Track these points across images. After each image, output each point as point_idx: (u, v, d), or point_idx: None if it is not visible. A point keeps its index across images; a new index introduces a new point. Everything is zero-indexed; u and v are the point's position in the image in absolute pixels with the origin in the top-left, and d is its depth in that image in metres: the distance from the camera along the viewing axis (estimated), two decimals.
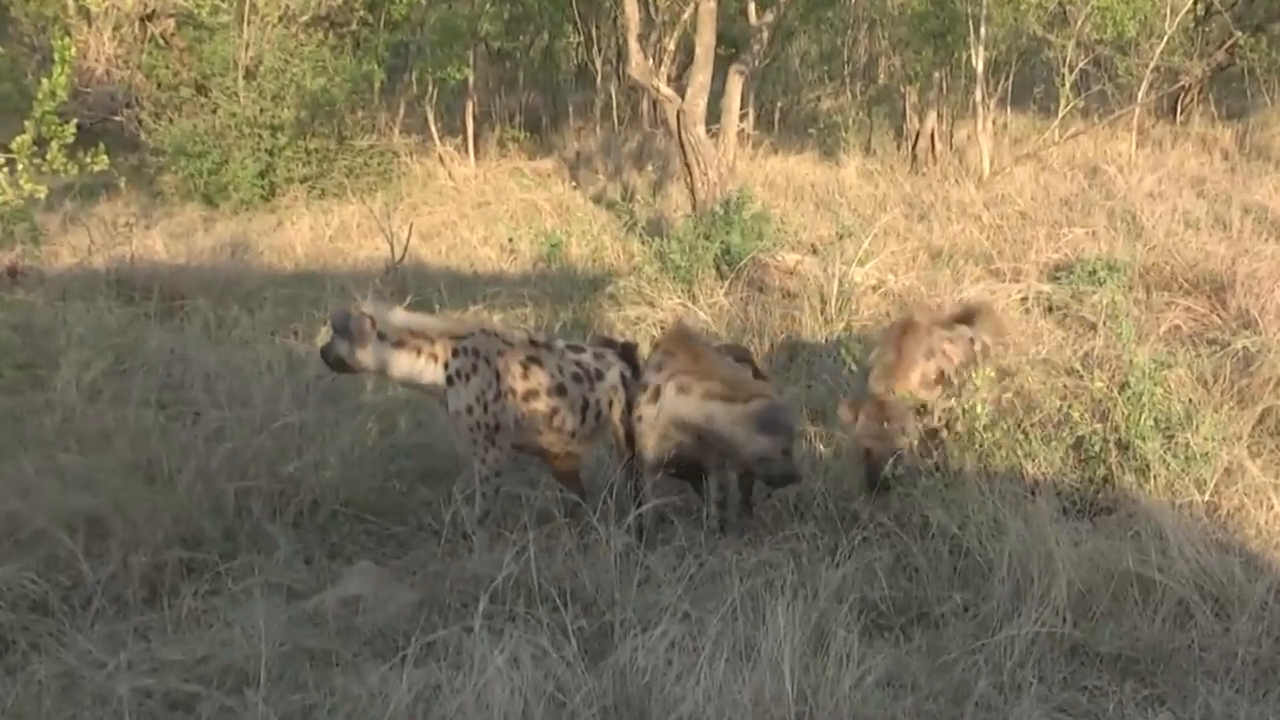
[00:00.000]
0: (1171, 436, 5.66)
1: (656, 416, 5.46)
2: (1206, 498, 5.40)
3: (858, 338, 7.46)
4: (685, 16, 14.27)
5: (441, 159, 17.34)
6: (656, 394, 5.48)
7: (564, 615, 4.29)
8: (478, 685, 3.82)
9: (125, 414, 6.16)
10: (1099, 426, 5.76)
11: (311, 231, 13.59)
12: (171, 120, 15.88)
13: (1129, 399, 5.74)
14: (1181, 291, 8.78)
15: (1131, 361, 5.91)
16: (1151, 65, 14.70)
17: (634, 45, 11.78)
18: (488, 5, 18.23)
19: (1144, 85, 14.86)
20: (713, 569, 5.12)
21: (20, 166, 6.37)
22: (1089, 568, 4.70)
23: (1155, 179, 12.67)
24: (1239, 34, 15.30)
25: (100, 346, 6.98)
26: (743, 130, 15.33)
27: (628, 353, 5.99)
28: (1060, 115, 14.63)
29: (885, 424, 5.59)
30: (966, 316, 6.58)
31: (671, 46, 15.98)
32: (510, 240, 12.72)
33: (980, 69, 14.41)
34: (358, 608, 4.80)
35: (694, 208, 11.59)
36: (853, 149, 15.93)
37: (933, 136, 15.55)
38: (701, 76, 11.68)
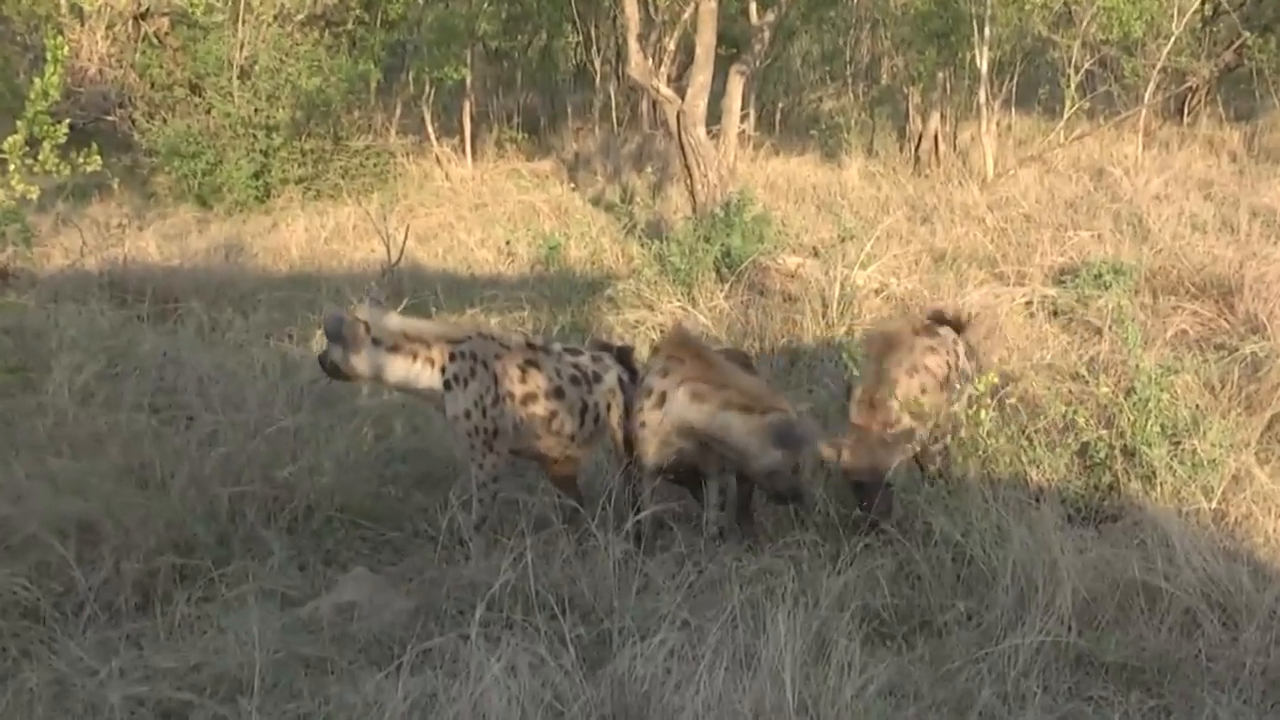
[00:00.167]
0: (1178, 443, 5.66)
1: (661, 422, 5.44)
2: (1214, 505, 5.40)
3: (859, 342, 7.45)
4: (685, 16, 14.29)
5: (438, 160, 17.35)
6: (662, 399, 5.44)
7: (562, 623, 4.29)
8: (474, 694, 3.82)
9: (118, 418, 6.15)
10: (1104, 433, 5.77)
11: (307, 233, 13.59)
12: (165, 120, 15.88)
13: (1135, 405, 5.74)
14: (1188, 296, 8.78)
15: (1137, 366, 5.91)
16: (1158, 66, 14.71)
17: (634, 45, 11.79)
18: (485, 4, 18.29)
19: (1150, 86, 14.86)
20: (712, 576, 5.12)
21: (12, 167, 6.39)
22: (1094, 576, 4.70)
23: (1162, 181, 12.67)
24: (1247, 34, 15.31)
25: (92, 349, 6.97)
26: (743, 131, 15.35)
27: (624, 356, 6.00)
28: (1065, 117, 14.62)
29: (871, 456, 5.45)
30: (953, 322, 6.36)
31: (672, 46, 16.02)
32: (508, 242, 12.72)
33: (984, 70, 14.42)
34: (353, 615, 4.80)
35: (694, 210, 11.59)
36: (855, 150, 15.95)
37: (936, 138, 15.57)
38: (702, 77, 11.69)
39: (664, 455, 5.50)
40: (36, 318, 8.01)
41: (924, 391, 5.68)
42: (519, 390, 5.50)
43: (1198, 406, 6.11)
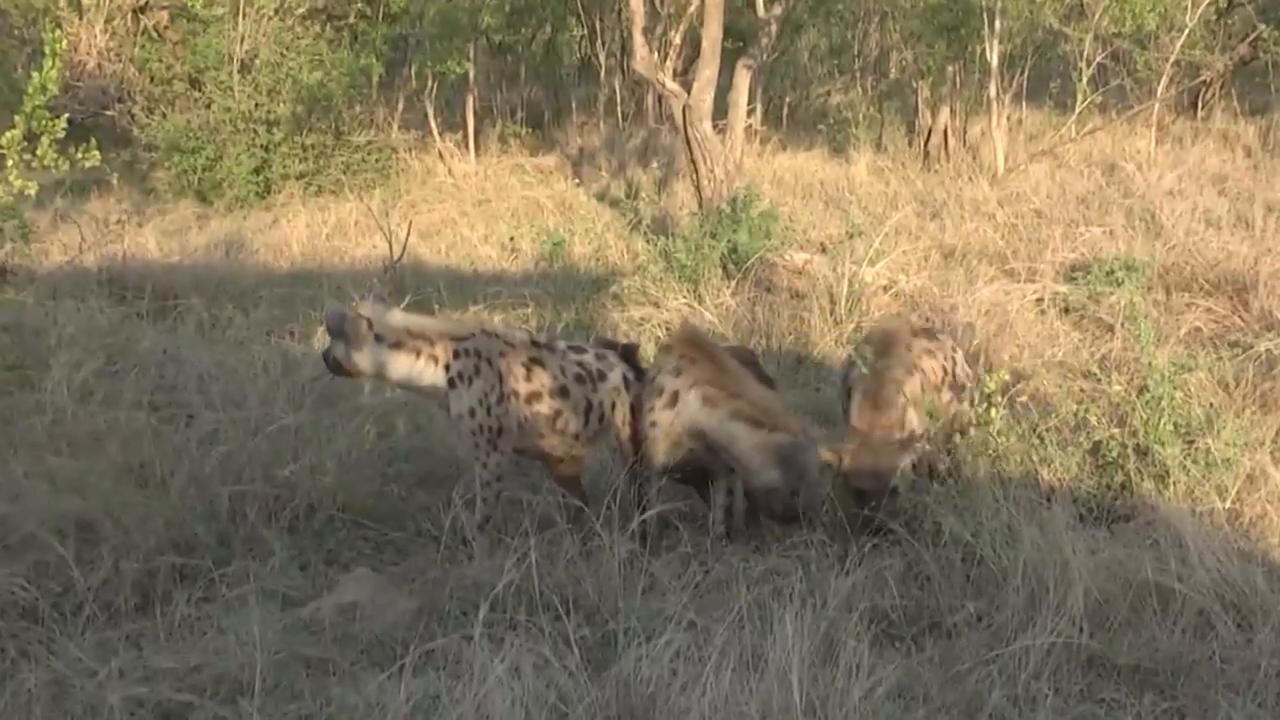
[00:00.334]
0: (1192, 442, 5.66)
1: (672, 423, 5.45)
2: (1228, 505, 5.40)
3: (859, 341, 7.45)
4: (691, 9, 14.26)
5: (441, 155, 17.36)
6: (674, 400, 5.45)
7: (566, 624, 4.29)
8: (478, 695, 3.82)
9: (117, 416, 6.16)
10: (1117, 431, 5.76)
11: (308, 229, 13.60)
12: (165, 115, 15.90)
13: (1148, 403, 5.73)
14: (1202, 292, 8.78)
15: (1150, 364, 5.90)
16: (1171, 59, 14.70)
17: (639, 38, 11.79)
18: None
19: (1164, 80, 14.85)
20: (719, 577, 5.12)
21: (10, 162, 6.40)
22: (1106, 577, 4.69)
23: (1175, 176, 12.68)
24: (1262, 27, 15.29)
25: (91, 347, 6.97)
26: (750, 126, 15.33)
27: (629, 354, 5.99)
28: (1077, 111, 14.62)
29: (874, 461, 5.42)
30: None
31: (677, 40, 15.93)
32: (511, 239, 12.73)
33: (995, 63, 14.42)
34: (355, 615, 4.80)
35: (700, 206, 11.60)
36: (863, 145, 15.95)
37: (945, 132, 15.57)
38: (708, 71, 11.70)
39: (673, 456, 5.51)
40: (35, 315, 8.02)
41: (922, 390, 5.66)
42: (523, 388, 5.49)
43: (1211, 405, 6.11)
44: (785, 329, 8.82)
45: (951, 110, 15.71)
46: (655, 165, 15.56)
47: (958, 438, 5.86)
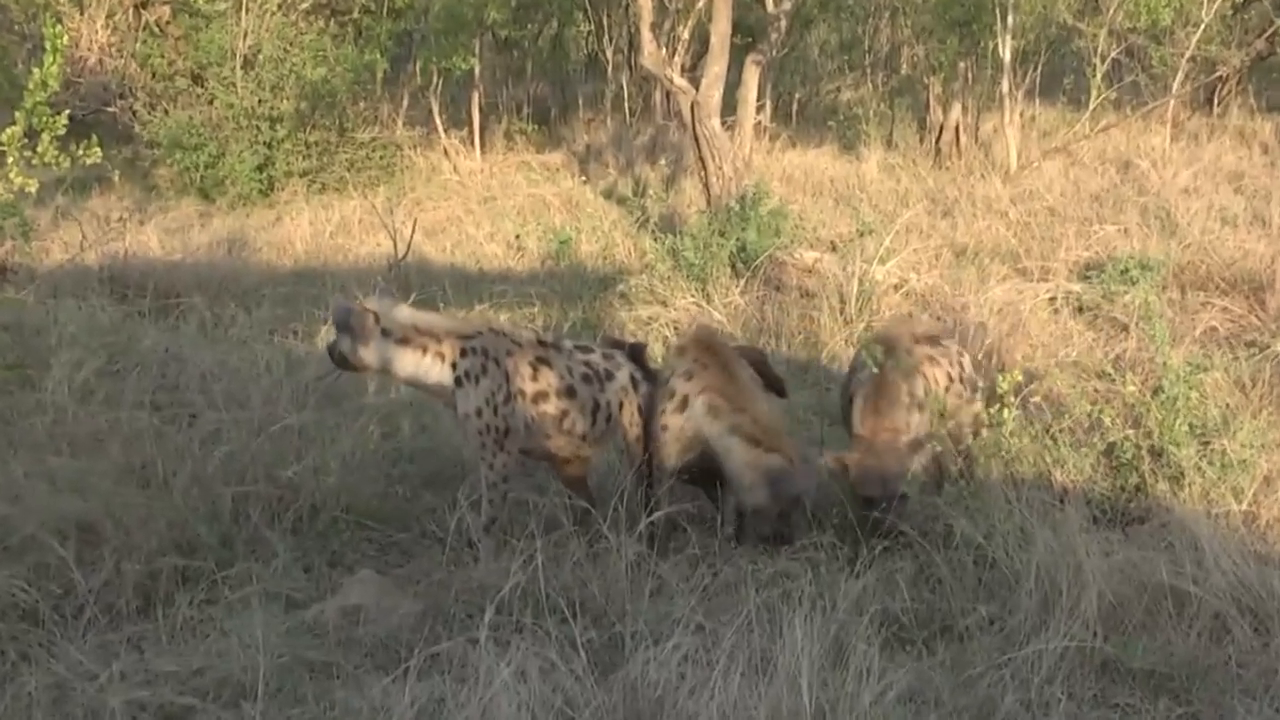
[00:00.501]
0: (1207, 443, 5.65)
1: (682, 428, 5.48)
2: (1244, 507, 5.39)
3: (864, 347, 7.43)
4: (700, 4, 14.26)
5: (446, 152, 17.37)
6: (684, 404, 5.48)
7: (573, 627, 4.30)
8: (483, 699, 3.83)
9: (118, 416, 6.17)
10: (1131, 432, 5.75)
11: (311, 227, 13.62)
12: (167, 111, 15.91)
13: (1163, 404, 5.72)
14: (1218, 291, 8.77)
15: (1165, 364, 5.89)
16: (1187, 55, 14.68)
17: (647, 34, 11.78)
18: None
19: (1179, 76, 14.84)
20: (727, 579, 5.12)
21: (10, 159, 6.40)
22: (1120, 580, 4.68)
23: (1191, 174, 12.67)
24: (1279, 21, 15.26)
25: (93, 346, 6.99)
26: (759, 123, 15.33)
27: (636, 353, 5.99)
28: (1091, 107, 14.60)
29: (879, 468, 5.37)
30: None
31: (686, 35, 15.97)
32: (517, 237, 12.73)
33: (1007, 59, 14.40)
34: (359, 618, 4.80)
35: (708, 203, 11.58)
36: (874, 142, 15.93)
37: (957, 129, 15.56)
38: (717, 67, 11.68)
39: (684, 459, 5.55)
40: (35, 314, 8.04)
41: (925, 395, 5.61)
42: (530, 388, 5.49)
43: (1228, 405, 6.10)
44: (795, 328, 8.83)
45: (963, 107, 15.69)
46: (663, 162, 15.56)
47: (970, 439, 5.85)
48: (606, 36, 20.04)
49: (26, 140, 6.52)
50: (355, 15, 17.41)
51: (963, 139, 15.53)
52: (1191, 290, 8.95)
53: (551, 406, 5.53)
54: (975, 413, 5.85)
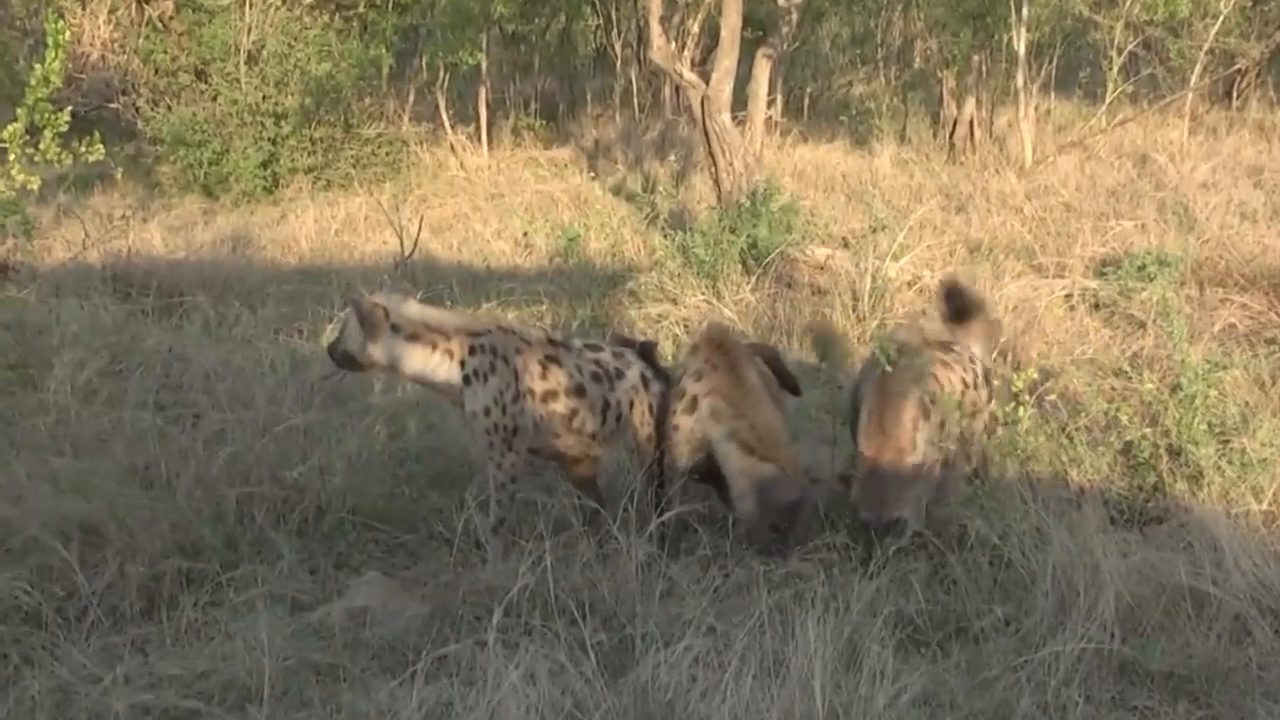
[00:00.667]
0: (1227, 442, 5.63)
1: (692, 429, 5.51)
2: (1264, 507, 5.37)
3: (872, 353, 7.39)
4: None
5: (453, 148, 17.38)
6: (693, 405, 5.50)
7: (582, 629, 4.29)
8: (492, 702, 3.83)
9: (122, 416, 6.17)
10: (1149, 431, 5.74)
11: (316, 224, 13.63)
12: (170, 108, 15.94)
13: (1181, 402, 5.71)
14: (1237, 288, 8.75)
15: (1184, 362, 5.88)
16: (1205, 47, 14.63)
17: (656, 28, 11.77)
18: None
19: (1197, 68, 14.79)
20: (739, 580, 5.11)
21: (12, 156, 6.42)
22: (1138, 580, 4.67)
23: (1209, 168, 12.63)
24: None
25: (95, 345, 6.99)
26: (770, 117, 15.33)
27: (647, 352, 5.99)
28: (1107, 101, 14.57)
29: (882, 491, 5.28)
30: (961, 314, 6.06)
31: (695, 29, 16.00)
32: (525, 234, 12.74)
33: (1022, 52, 14.37)
34: (365, 620, 4.81)
35: (719, 199, 11.57)
36: (886, 137, 15.93)
37: (971, 124, 15.53)
38: (727, 61, 11.66)
39: (694, 459, 5.57)
40: (37, 313, 8.06)
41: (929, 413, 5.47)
42: (539, 387, 5.49)
43: (1247, 404, 6.09)
44: (807, 326, 8.82)
45: (977, 101, 15.67)
46: (673, 158, 15.55)
47: (984, 439, 5.82)
48: (615, 31, 20.04)
49: (28, 137, 6.53)
50: (360, 9, 17.42)
51: (977, 133, 15.51)
52: (1210, 286, 8.93)
53: (561, 405, 5.53)
54: (990, 414, 5.83)
